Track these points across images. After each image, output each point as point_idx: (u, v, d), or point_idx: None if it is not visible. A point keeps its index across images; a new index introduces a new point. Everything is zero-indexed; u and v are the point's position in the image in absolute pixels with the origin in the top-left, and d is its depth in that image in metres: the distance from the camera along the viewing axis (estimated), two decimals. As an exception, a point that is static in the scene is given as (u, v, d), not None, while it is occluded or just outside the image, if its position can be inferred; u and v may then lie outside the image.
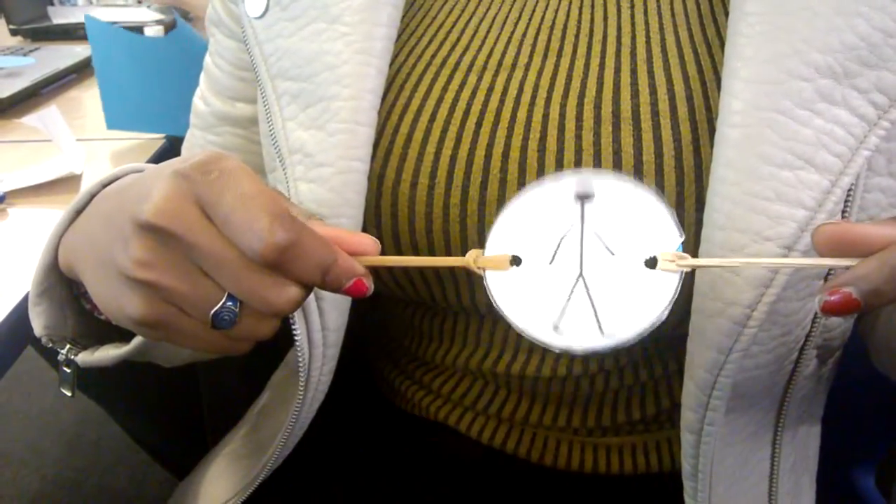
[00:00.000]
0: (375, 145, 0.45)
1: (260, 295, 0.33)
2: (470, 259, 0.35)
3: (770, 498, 0.50)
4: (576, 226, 0.34)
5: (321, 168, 0.44)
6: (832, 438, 0.56)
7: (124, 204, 0.35)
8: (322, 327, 0.46)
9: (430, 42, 0.49)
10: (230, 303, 0.34)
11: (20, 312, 0.52)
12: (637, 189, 0.33)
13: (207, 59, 0.57)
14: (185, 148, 0.60)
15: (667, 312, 0.33)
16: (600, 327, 0.34)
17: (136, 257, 0.33)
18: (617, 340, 0.33)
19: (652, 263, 0.33)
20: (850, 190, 0.39)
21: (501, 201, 0.44)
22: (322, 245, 0.33)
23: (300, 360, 0.45)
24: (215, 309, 0.34)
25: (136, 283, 0.34)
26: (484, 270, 0.34)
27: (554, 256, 0.34)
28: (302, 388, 0.47)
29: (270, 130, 0.46)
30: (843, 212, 0.39)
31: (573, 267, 0.34)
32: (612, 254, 0.34)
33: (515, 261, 0.34)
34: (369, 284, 0.35)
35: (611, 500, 0.55)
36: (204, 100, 0.57)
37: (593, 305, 0.34)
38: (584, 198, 0.34)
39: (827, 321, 0.43)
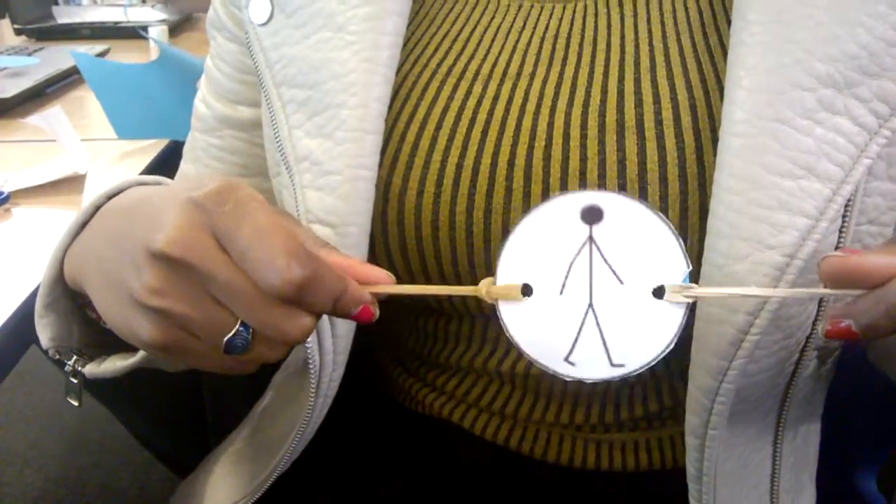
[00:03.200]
0: (382, 153, 0.45)
1: (274, 325, 0.34)
2: (482, 289, 0.35)
3: (772, 496, 0.50)
4: (585, 250, 0.34)
5: (329, 176, 0.44)
6: (834, 441, 0.56)
7: (135, 228, 0.35)
8: (332, 335, 0.46)
9: (435, 51, 0.49)
10: (243, 329, 0.34)
11: (24, 312, 0.53)
12: (643, 208, 0.34)
13: (208, 62, 0.57)
14: (187, 150, 0.60)
15: (674, 343, 0.34)
16: (610, 359, 0.34)
17: (150, 285, 0.34)
18: (626, 371, 0.35)
19: (659, 292, 0.34)
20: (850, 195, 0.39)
21: (507, 209, 0.44)
22: (335, 276, 0.34)
23: (311, 367, 0.46)
24: (228, 336, 0.34)
25: (148, 309, 0.34)
26: (497, 301, 0.35)
27: (564, 285, 0.34)
28: (313, 394, 0.47)
29: (276, 137, 0.46)
30: (844, 216, 0.39)
31: (583, 296, 0.34)
32: (622, 282, 0.34)
33: (526, 290, 0.35)
34: (375, 311, 0.36)
35: (613, 496, 0.55)
36: (205, 102, 0.57)
37: (603, 337, 0.34)
38: (592, 219, 0.34)
39: None
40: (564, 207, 0.34)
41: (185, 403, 0.88)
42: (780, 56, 0.39)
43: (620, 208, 0.34)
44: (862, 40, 0.38)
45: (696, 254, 0.42)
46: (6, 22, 1.55)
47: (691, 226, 0.41)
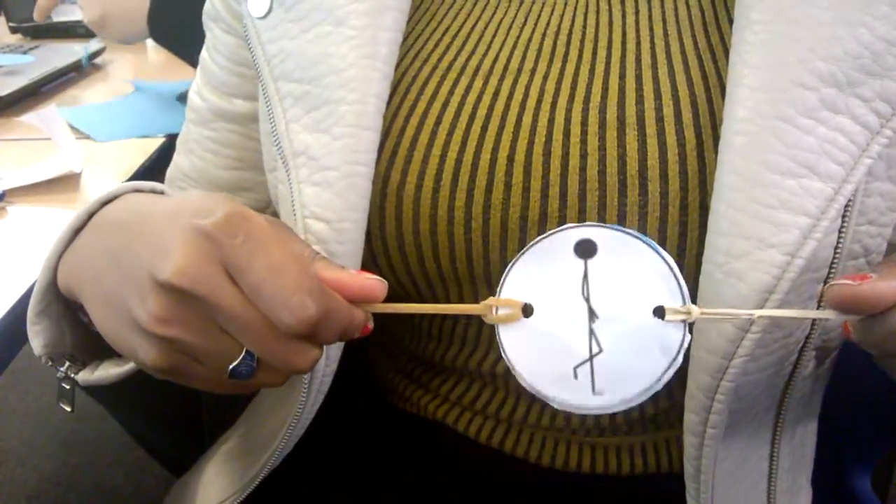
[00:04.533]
0: (381, 148, 0.45)
1: (282, 358, 0.34)
2: (483, 307, 0.36)
3: (769, 496, 0.50)
4: (581, 283, 0.35)
5: (326, 171, 0.44)
6: (829, 441, 0.57)
7: (138, 251, 0.35)
8: None
9: (435, 46, 0.49)
10: (248, 358, 0.35)
11: (18, 310, 0.53)
12: (637, 242, 0.34)
13: (204, 54, 0.57)
14: (180, 142, 0.60)
15: (666, 380, 0.35)
16: (596, 389, 0.35)
17: (155, 314, 0.33)
18: (613, 405, 0.35)
19: (660, 312, 0.35)
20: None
21: (506, 205, 0.44)
22: (344, 309, 0.35)
23: None
24: (234, 365, 0.35)
25: (152, 335, 0.34)
26: (496, 309, 0.36)
27: (563, 312, 0.35)
28: (305, 390, 0.47)
29: (273, 131, 0.46)
30: (843, 217, 0.40)
31: (583, 322, 0.35)
32: (620, 311, 0.35)
33: (527, 310, 0.35)
34: (371, 325, 0.37)
35: (609, 500, 0.55)
36: (200, 95, 0.57)
37: (593, 369, 0.35)
38: (586, 254, 0.34)
39: (826, 324, 0.44)
40: (558, 244, 0.35)
41: (182, 401, 0.88)
42: (782, 55, 0.39)
43: (614, 243, 0.35)
44: (864, 40, 0.38)
45: (695, 251, 0.42)
46: (1, 20, 1.54)
47: (691, 222, 0.42)
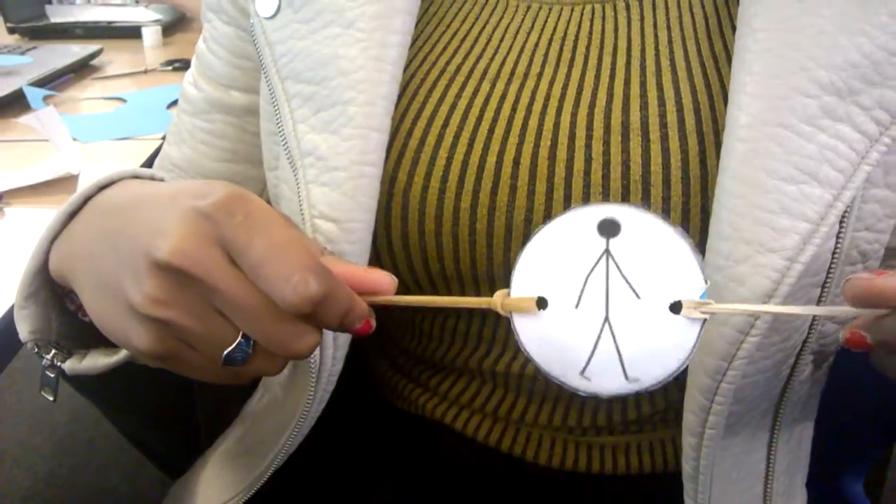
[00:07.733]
0: (388, 148, 0.46)
1: (282, 341, 0.34)
2: (497, 301, 0.35)
3: (765, 498, 0.51)
4: (601, 263, 0.34)
5: (334, 172, 0.44)
6: (822, 445, 0.57)
7: (135, 232, 0.35)
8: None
9: (444, 49, 0.49)
10: (244, 343, 0.34)
11: (16, 313, 0.52)
12: (661, 224, 0.33)
13: (201, 45, 0.57)
14: (171, 133, 0.60)
15: (690, 360, 0.34)
16: (625, 373, 0.34)
17: (151, 295, 0.33)
18: (641, 387, 0.35)
19: (676, 308, 0.34)
20: None
21: (510, 207, 0.44)
22: (346, 293, 0.34)
23: (312, 361, 0.46)
24: (229, 350, 0.34)
25: (147, 319, 0.34)
26: (511, 314, 0.35)
27: (580, 298, 0.34)
28: (312, 388, 0.47)
29: (279, 131, 0.46)
30: (842, 223, 0.40)
31: (599, 310, 0.34)
32: (638, 297, 0.34)
33: (541, 303, 0.34)
34: (373, 323, 0.37)
35: (605, 499, 0.55)
36: (196, 85, 0.57)
37: (619, 352, 0.34)
38: (608, 232, 0.34)
39: (822, 328, 0.44)
40: (581, 220, 0.34)
41: (175, 402, 0.88)
42: (784, 63, 0.39)
43: (638, 223, 0.33)
44: (864, 49, 0.39)
45: None
46: (-1, 20, 1.54)
47: (693, 227, 0.42)
